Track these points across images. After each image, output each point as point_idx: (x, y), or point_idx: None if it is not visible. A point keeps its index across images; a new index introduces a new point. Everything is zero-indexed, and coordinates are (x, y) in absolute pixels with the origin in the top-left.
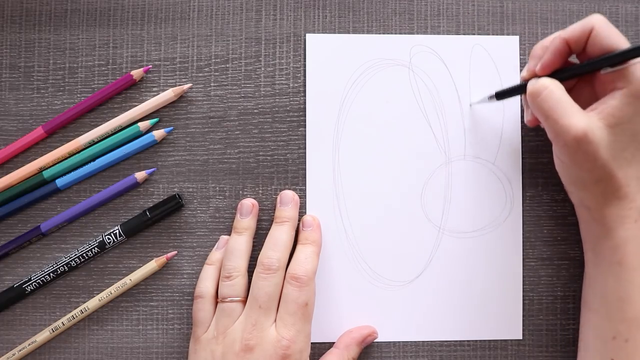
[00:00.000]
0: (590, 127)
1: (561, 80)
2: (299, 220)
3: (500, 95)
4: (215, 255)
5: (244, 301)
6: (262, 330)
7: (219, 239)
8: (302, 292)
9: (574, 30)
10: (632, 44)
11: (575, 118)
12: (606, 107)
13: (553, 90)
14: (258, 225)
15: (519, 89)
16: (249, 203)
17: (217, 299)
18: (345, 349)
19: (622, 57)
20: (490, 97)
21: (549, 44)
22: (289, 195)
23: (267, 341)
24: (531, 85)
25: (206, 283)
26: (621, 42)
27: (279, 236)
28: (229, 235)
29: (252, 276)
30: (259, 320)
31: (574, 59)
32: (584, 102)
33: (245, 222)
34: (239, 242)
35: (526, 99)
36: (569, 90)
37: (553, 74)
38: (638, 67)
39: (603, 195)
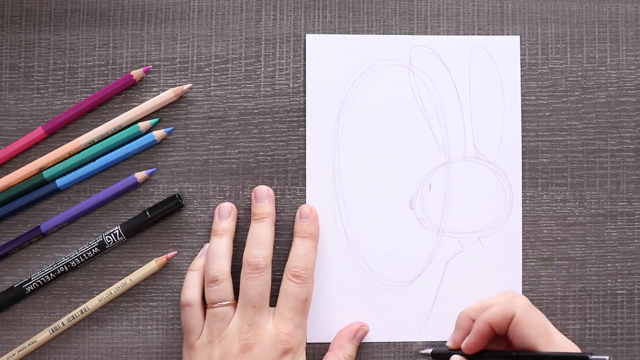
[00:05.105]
0: None
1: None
2: (296, 210)
3: (436, 356)
4: (199, 261)
5: (234, 304)
6: (260, 328)
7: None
8: (303, 288)
9: (496, 315)
10: (547, 352)
11: None
12: None
13: None
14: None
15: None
16: (227, 205)
17: (204, 304)
18: (338, 348)
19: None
20: (428, 356)
21: (475, 321)
22: (263, 191)
23: (265, 338)
24: None
25: (192, 290)
26: (539, 334)
27: (262, 232)
28: None
29: (236, 277)
30: (255, 319)
31: None
32: None
33: (225, 224)
34: (220, 245)
35: None
36: None
37: (478, 353)
38: None
39: None
